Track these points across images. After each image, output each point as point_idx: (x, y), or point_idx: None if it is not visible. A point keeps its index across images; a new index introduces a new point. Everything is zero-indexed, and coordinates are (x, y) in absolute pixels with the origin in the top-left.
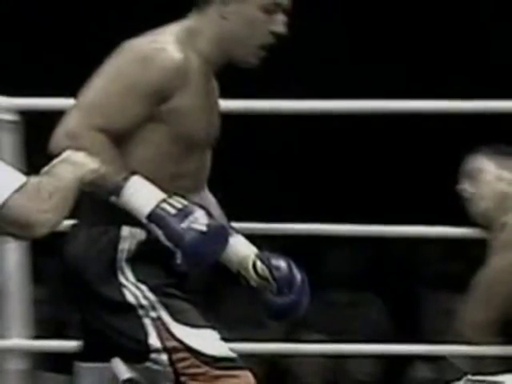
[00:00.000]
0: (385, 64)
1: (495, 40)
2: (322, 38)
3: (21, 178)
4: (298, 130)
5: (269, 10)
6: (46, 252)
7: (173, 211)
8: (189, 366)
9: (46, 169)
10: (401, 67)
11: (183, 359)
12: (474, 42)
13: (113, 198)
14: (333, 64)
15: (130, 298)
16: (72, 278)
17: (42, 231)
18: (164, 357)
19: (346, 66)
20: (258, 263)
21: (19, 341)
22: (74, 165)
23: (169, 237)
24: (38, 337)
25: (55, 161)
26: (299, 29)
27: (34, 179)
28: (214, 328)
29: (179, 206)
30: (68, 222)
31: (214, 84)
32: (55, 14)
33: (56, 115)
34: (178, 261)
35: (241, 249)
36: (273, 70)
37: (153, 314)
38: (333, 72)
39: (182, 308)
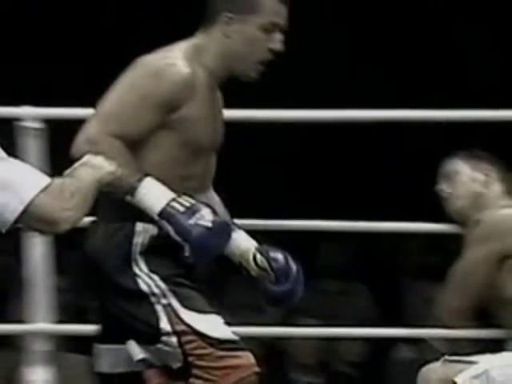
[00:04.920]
0: (375, 77)
1: (472, 58)
2: (317, 54)
3: (46, 180)
4: (293, 137)
5: (267, 30)
6: (68, 245)
7: (181, 209)
8: (196, 348)
9: (68, 171)
10: (389, 80)
11: (191, 341)
12: (452, 59)
13: (128, 198)
14: (325, 77)
15: (144, 287)
16: (91, 269)
17: (64, 227)
18: (174, 339)
19: (337, 78)
20: (258, 255)
21: (44, 325)
22: (94, 168)
23: (178, 232)
24: (60, 321)
25: (76, 164)
26: (295, 45)
27: (57, 180)
28: (218, 313)
29: (187, 204)
30: (88, 219)
31: (218, 95)
32: (76, 36)
33: (77, 123)
34: (186, 253)
35: (242, 243)
36: (271, 83)
37: (164, 301)
38: (324, 85)
39: (190, 295)
